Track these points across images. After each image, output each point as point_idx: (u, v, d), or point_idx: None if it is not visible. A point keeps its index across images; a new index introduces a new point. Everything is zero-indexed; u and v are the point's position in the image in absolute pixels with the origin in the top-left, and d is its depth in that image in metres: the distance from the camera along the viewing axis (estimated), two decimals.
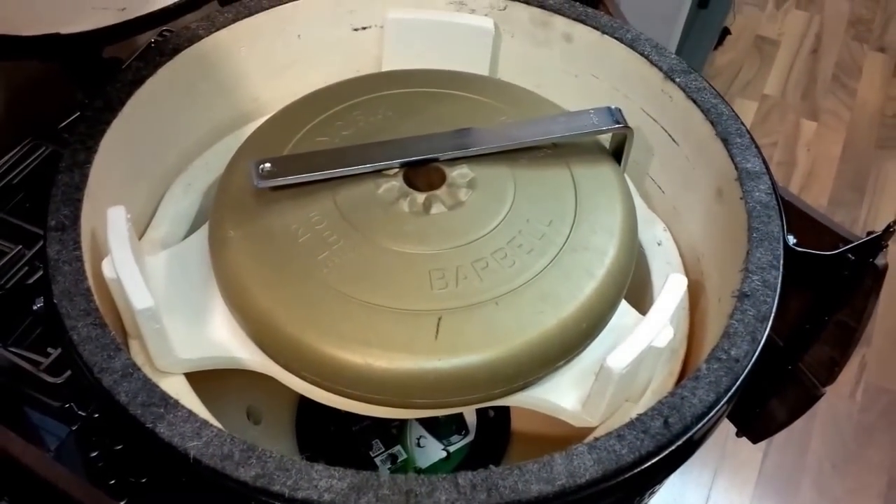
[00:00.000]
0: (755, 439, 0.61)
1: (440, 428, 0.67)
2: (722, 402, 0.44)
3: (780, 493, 1.12)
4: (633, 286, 0.52)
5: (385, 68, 0.65)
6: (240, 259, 0.48)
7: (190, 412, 0.41)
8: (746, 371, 0.45)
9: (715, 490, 1.10)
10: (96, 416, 0.49)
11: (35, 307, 0.48)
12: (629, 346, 0.44)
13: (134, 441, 0.42)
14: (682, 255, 0.58)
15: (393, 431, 0.67)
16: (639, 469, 0.41)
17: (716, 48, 1.67)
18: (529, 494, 0.39)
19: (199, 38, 0.58)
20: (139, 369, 0.43)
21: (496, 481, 0.39)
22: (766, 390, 0.58)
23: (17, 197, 0.65)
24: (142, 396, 0.41)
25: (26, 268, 0.60)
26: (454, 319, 0.46)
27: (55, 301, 0.45)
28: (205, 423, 0.41)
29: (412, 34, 0.64)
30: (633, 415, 0.42)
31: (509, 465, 0.40)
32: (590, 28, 0.62)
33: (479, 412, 0.67)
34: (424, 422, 0.67)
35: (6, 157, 0.67)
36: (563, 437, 0.50)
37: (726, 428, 0.48)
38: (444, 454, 0.66)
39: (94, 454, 0.50)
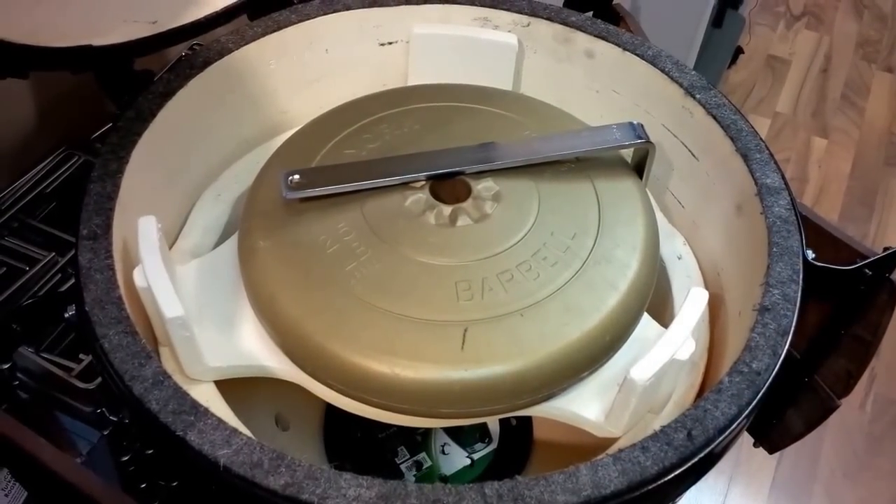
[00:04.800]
0: (771, 450, 0.62)
1: (464, 436, 0.67)
2: (744, 415, 0.44)
3: (793, 500, 1.13)
4: (654, 299, 0.53)
5: (411, 83, 0.66)
6: (269, 269, 0.49)
7: (220, 420, 0.41)
8: (768, 384, 0.45)
9: (730, 497, 1.11)
10: (127, 421, 0.49)
11: (67, 315, 0.48)
12: (652, 359, 0.45)
13: (164, 449, 0.42)
14: (701, 269, 0.59)
15: (418, 439, 0.67)
16: (662, 480, 0.41)
17: (729, 67, 1.68)
18: None
19: (229, 51, 0.59)
20: (170, 377, 0.43)
21: (522, 491, 0.39)
22: (783, 402, 0.58)
23: (51, 205, 0.66)
24: (172, 404, 0.42)
25: (59, 275, 0.60)
26: (480, 330, 0.46)
27: (87, 309, 0.45)
28: (235, 431, 0.41)
29: (437, 49, 0.65)
30: (656, 426, 0.43)
31: (535, 476, 0.40)
32: (611, 45, 0.63)
33: (502, 421, 0.68)
34: (449, 430, 0.68)
35: (40, 166, 0.68)
36: (585, 445, 0.50)
37: (742, 438, 0.48)
38: (468, 462, 0.66)
39: (125, 458, 0.51)
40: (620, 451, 0.42)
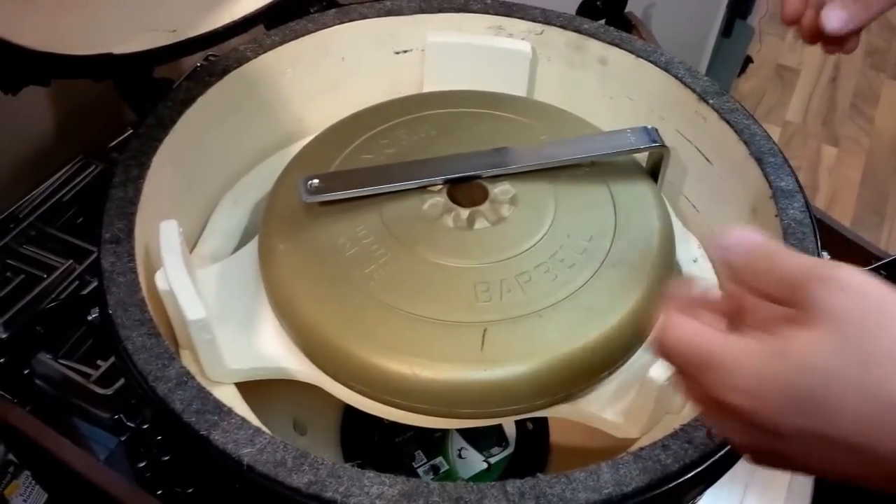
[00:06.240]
0: None
1: (481, 440, 0.67)
2: None
3: None
4: None
5: (426, 90, 0.66)
6: (289, 271, 0.49)
7: (243, 419, 0.42)
8: None
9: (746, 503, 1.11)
10: (145, 426, 0.50)
11: (90, 318, 0.49)
12: None
13: (188, 448, 0.42)
14: (717, 272, 0.59)
15: (435, 443, 0.67)
16: (683, 478, 0.41)
17: (739, 76, 1.69)
18: (577, 502, 0.39)
19: (247, 59, 0.60)
20: (193, 378, 0.43)
21: (544, 489, 0.40)
22: None
23: (68, 213, 0.67)
24: (196, 404, 0.42)
25: (77, 282, 0.61)
26: (499, 331, 0.46)
27: (110, 311, 0.46)
28: (258, 430, 0.41)
29: (452, 57, 0.65)
30: (676, 425, 0.43)
31: (557, 474, 0.40)
32: (625, 52, 0.63)
33: (519, 425, 0.68)
34: (465, 434, 0.67)
35: (57, 175, 0.68)
36: (602, 449, 0.50)
37: None
38: (484, 466, 0.66)
39: (143, 464, 0.51)
40: (641, 449, 0.42)
